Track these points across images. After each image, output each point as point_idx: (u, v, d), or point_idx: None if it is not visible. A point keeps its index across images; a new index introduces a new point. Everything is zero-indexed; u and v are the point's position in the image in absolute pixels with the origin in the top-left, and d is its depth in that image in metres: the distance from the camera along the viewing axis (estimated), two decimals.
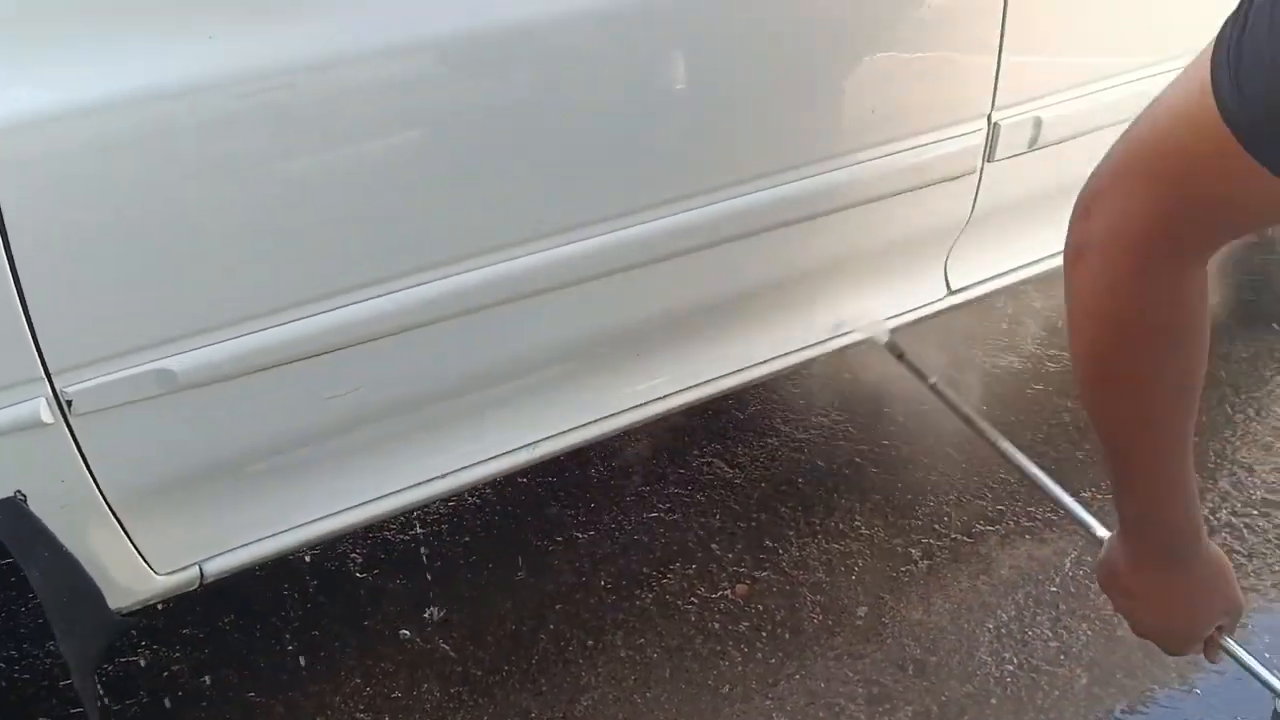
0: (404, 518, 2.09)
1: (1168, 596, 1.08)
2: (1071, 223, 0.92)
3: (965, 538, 2.05)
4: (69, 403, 1.21)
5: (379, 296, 1.36)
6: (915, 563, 1.99)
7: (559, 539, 2.05)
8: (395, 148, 1.32)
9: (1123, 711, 1.70)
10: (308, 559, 2.00)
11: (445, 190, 1.37)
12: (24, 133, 1.09)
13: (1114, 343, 0.91)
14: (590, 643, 1.84)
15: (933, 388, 1.69)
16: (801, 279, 1.80)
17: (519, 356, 1.57)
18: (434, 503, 1.86)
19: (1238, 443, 2.26)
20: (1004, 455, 1.58)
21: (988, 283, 2.05)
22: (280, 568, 1.98)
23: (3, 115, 1.08)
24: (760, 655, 1.81)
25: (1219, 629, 1.13)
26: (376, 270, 1.36)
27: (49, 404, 1.19)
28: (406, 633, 1.86)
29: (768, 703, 1.72)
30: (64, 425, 1.22)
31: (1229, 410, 2.34)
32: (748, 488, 2.17)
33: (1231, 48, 0.82)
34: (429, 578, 1.97)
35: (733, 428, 2.33)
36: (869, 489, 2.17)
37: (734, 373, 1.82)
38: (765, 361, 1.84)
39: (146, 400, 1.26)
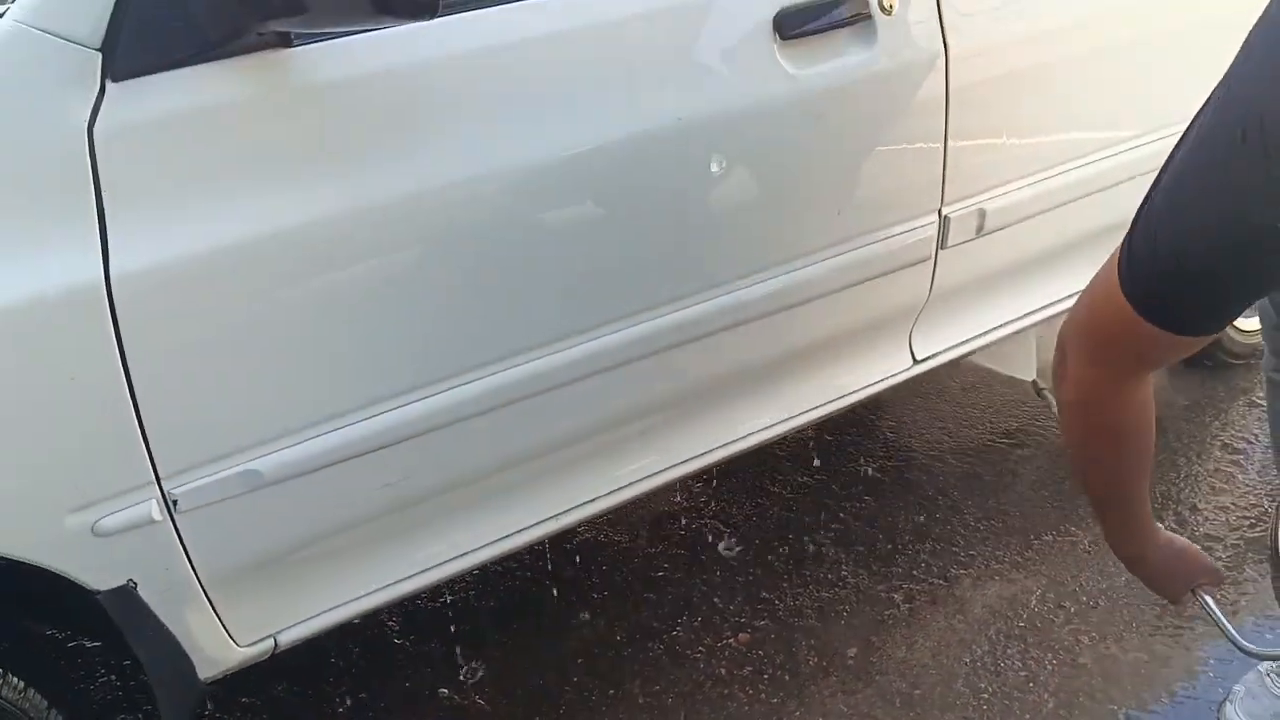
0: (435, 588, 2.30)
1: (1154, 570, 1.52)
2: (1053, 361, 1.29)
3: (941, 581, 2.27)
4: (175, 502, 1.42)
5: (424, 399, 1.60)
6: (898, 606, 2.22)
7: (575, 599, 2.26)
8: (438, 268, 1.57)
9: None
10: (349, 626, 2.20)
11: (481, 305, 1.61)
12: (142, 278, 1.32)
13: (1088, 437, 1.32)
14: (611, 692, 2.05)
15: None
16: (788, 357, 2.04)
17: (547, 440, 1.80)
18: (467, 572, 2.07)
19: (1181, 484, 2.51)
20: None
21: (948, 351, 2.30)
22: (325, 639, 2.18)
23: (128, 265, 1.31)
24: (764, 696, 2.02)
25: (1202, 586, 1.53)
26: (422, 376, 1.59)
27: (158, 504, 1.41)
28: (445, 691, 2.06)
29: None
30: (169, 522, 1.44)
31: (1172, 454, 2.59)
32: (743, 545, 2.40)
33: (1133, 227, 1.12)
34: (460, 641, 2.17)
35: (726, 492, 2.56)
36: (853, 541, 2.40)
37: (726, 444, 2.05)
38: (761, 430, 2.08)
39: (238, 496, 1.48)
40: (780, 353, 2.04)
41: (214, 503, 1.46)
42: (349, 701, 2.05)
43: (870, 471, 2.60)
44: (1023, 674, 2.04)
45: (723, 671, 2.08)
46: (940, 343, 2.28)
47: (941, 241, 2.10)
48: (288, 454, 1.50)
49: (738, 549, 2.38)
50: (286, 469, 1.50)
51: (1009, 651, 2.09)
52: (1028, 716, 1.95)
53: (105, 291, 1.29)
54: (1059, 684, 2.01)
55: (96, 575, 1.41)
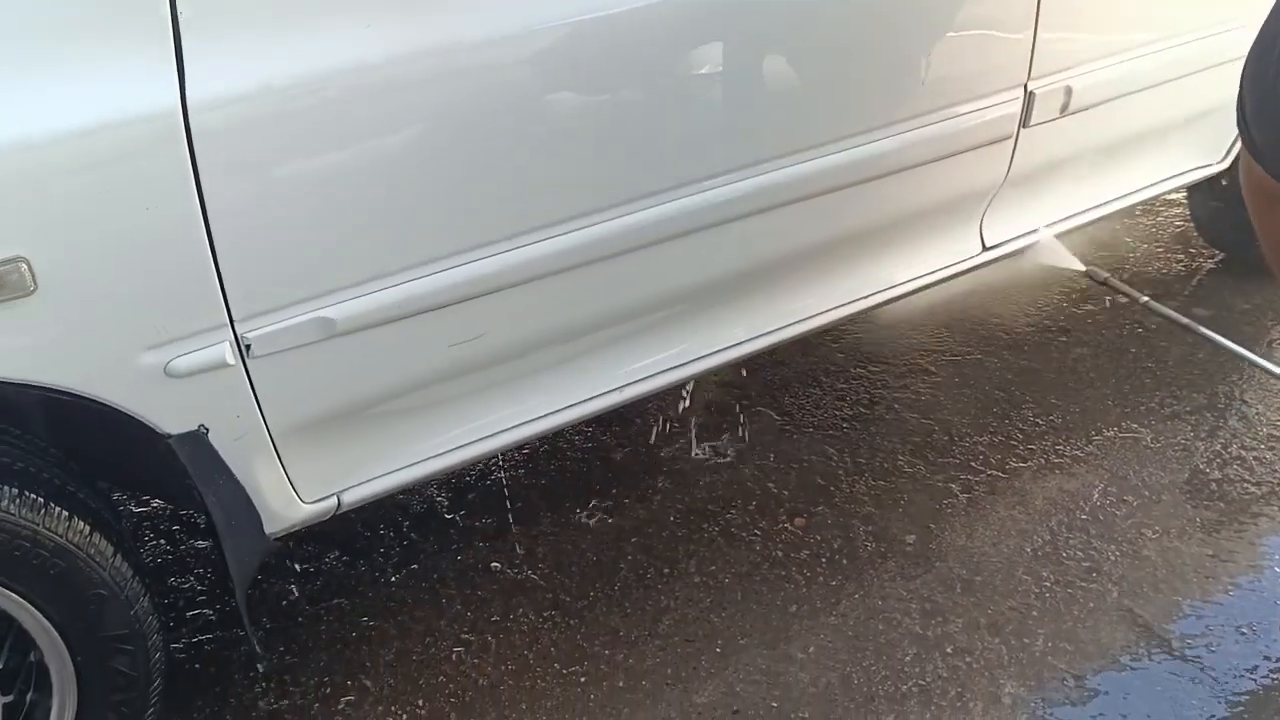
0: (483, 465, 2.27)
1: None
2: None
3: (1000, 473, 2.24)
4: (248, 346, 1.38)
5: (498, 254, 1.54)
6: (956, 496, 2.18)
7: (626, 482, 2.23)
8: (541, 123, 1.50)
9: (1151, 618, 1.89)
10: (398, 501, 2.18)
11: (560, 160, 1.55)
12: (220, 109, 1.26)
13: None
14: (666, 570, 2.02)
15: (1145, 305, 2.19)
16: (859, 236, 1.98)
17: (616, 308, 1.75)
18: (529, 441, 2.02)
19: (1244, 385, 2.46)
20: (1225, 348, 2.20)
21: (1019, 239, 2.24)
22: (374, 511, 2.16)
23: (205, 94, 1.24)
24: (821, 579, 2.00)
25: None
26: (498, 231, 1.54)
27: (231, 347, 1.37)
28: (497, 565, 2.04)
29: (832, 619, 1.91)
30: (242, 367, 1.39)
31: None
32: (797, 434, 2.36)
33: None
34: (511, 518, 2.15)
35: (779, 381, 2.51)
36: (909, 432, 2.36)
37: (790, 325, 2.01)
38: (827, 311, 2.03)
39: (310, 345, 1.43)
40: (851, 230, 1.98)
41: (286, 350, 1.42)
42: (402, 572, 2.04)
43: (926, 365, 2.55)
44: (1085, 564, 2.01)
45: (779, 554, 2.06)
46: (1011, 229, 2.23)
47: (1025, 119, 2.02)
48: (360, 303, 1.45)
49: (791, 437, 2.34)
50: (359, 319, 1.46)
51: (1071, 542, 2.06)
52: (1091, 604, 1.92)
53: (182, 119, 1.24)
54: (1122, 574, 1.98)
55: (168, 418, 1.37)
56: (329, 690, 1.81)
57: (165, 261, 1.28)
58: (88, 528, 1.38)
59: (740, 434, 2.35)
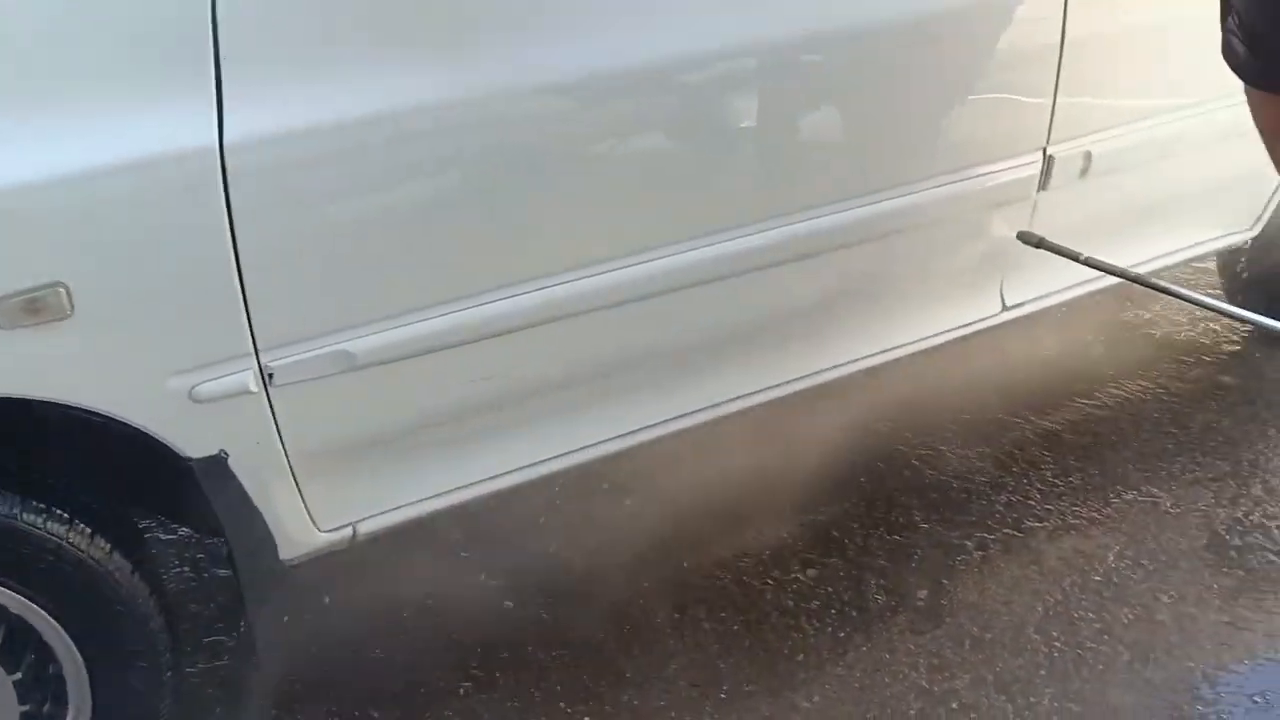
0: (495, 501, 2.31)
1: None
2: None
3: (1015, 532, 2.24)
4: (270, 375, 1.44)
5: (521, 295, 1.59)
6: (970, 553, 2.19)
7: (640, 528, 2.25)
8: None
9: (1162, 683, 1.88)
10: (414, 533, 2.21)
11: (592, 203, 1.61)
12: (255, 150, 1.33)
13: None
14: (676, 615, 2.04)
15: (1085, 261, 2.03)
16: (879, 290, 2.01)
17: (630, 352, 1.79)
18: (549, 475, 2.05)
19: (1269, 453, 2.44)
20: (1175, 295, 2.09)
21: (1038, 300, 2.25)
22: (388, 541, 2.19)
23: (241, 135, 1.31)
24: (830, 629, 2.01)
25: None
26: (518, 273, 1.59)
27: (255, 376, 1.43)
28: (510, 604, 2.07)
29: (839, 669, 1.92)
30: (264, 394, 1.45)
31: (1261, 424, 2.52)
32: (814, 486, 2.37)
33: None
34: (525, 557, 2.18)
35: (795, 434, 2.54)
36: (926, 488, 2.37)
37: (809, 375, 2.03)
38: (843, 364, 2.05)
39: (330, 376, 1.49)
40: (875, 285, 2.01)
41: (307, 380, 1.47)
42: (414, 605, 2.07)
43: (945, 422, 2.56)
44: (1097, 625, 2.00)
45: (789, 603, 2.07)
46: (1031, 290, 2.24)
47: (1043, 181, 2.05)
48: (378, 339, 1.50)
49: (804, 489, 2.36)
50: (377, 353, 1.51)
51: (1083, 603, 2.05)
52: (1101, 667, 1.91)
53: (218, 156, 1.30)
54: (1134, 638, 1.97)
55: (191, 442, 1.43)
56: None
57: (196, 293, 1.35)
58: (108, 545, 1.44)
59: (755, 488, 2.37)
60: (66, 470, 1.45)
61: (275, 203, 1.36)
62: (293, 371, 1.45)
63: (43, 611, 1.41)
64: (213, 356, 1.39)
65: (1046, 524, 2.26)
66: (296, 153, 1.36)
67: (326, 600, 2.08)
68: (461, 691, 1.89)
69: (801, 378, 2.03)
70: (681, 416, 1.93)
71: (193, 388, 1.39)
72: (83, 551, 1.40)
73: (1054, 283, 2.25)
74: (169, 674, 1.54)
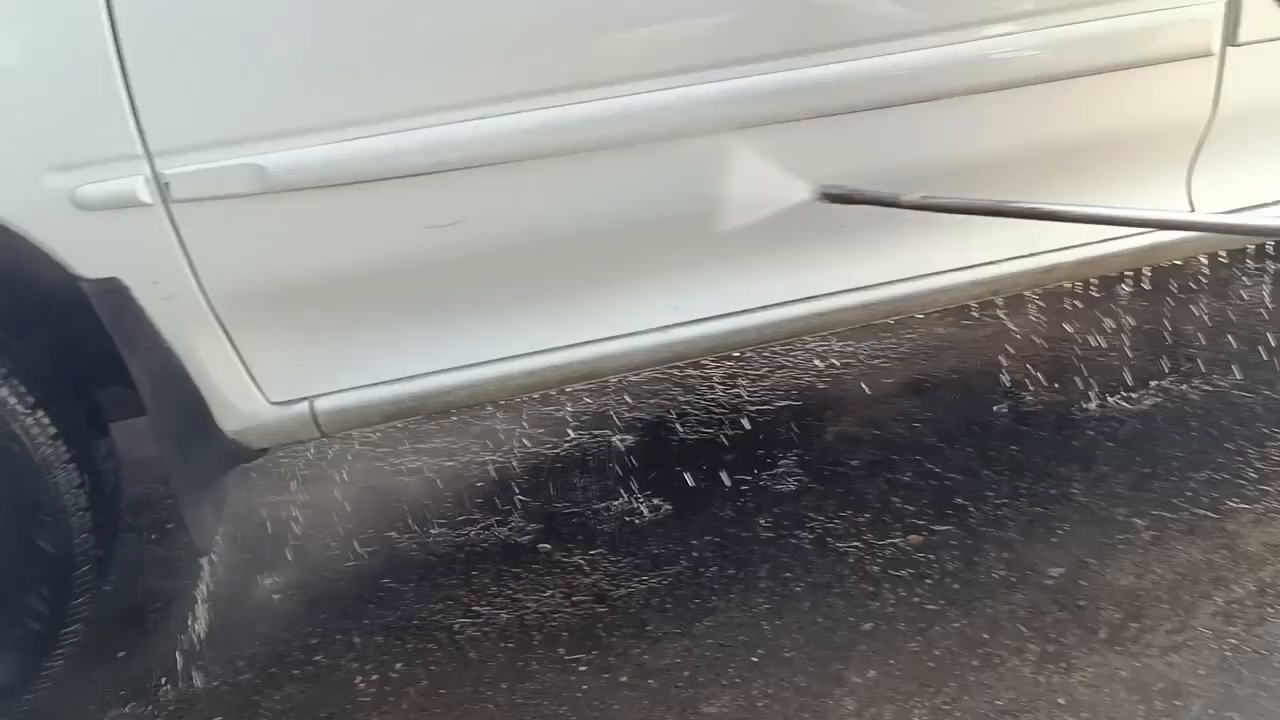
0: (558, 424, 2.04)
1: None
2: None
3: (1210, 513, 1.68)
4: (167, 185, 1.25)
5: (484, 118, 1.33)
6: (1138, 532, 1.66)
7: (713, 471, 1.89)
8: None
9: None
10: (451, 465, 1.98)
11: None
12: None
13: None
14: (732, 571, 1.67)
15: (910, 204, 1.36)
16: (1036, 156, 1.56)
17: (654, 208, 1.45)
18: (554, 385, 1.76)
19: None
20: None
21: (1241, 213, 1.71)
22: (420, 473, 1.96)
23: None
24: (918, 600, 1.56)
25: None
26: (484, 84, 1.32)
27: (148, 182, 1.25)
28: (546, 546, 1.78)
29: (912, 644, 1.47)
30: (164, 209, 1.27)
31: None
32: (950, 452, 1.92)
33: None
34: (578, 496, 1.88)
35: (942, 397, 2.09)
36: (1096, 460, 1.85)
37: (933, 276, 1.60)
38: (993, 263, 1.59)
39: (244, 198, 1.29)
40: (1025, 146, 1.56)
41: (215, 198, 1.28)
42: (440, 538, 1.82)
43: (1148, 390, 2.02)
44: None
45: (875, 569, 1.64)
46: (1230, 197, 1.70)
47: (1230, 32, 1.55)
48: (302, 154, 1.29)
49: (943, 452, 1.91)
50: (299, 174, 1.29)
51: None
52: None
53: None
54: None
55: (79, 256, 1.27)
56: (315, 642, 1.62)
57: (68, 70, 1.20)
58: (5, 372, 1.30)
59: (881, 448, 1.95)
60: None
61: None
62: (194, 184, 1.26)
63: None
64: (95, 154, 1.23)
65: (1256, 507, 1.69)
66: None
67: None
68: (456, 627, 1.61)
69: (928, 275, 1.57)
70: (752, 313, 1.52)
71: (75, 189, 1.23)
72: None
73: (1261, 191, 1.70)
74: (84, 538, 1.37)
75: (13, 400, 1.31)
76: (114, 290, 1.29)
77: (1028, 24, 1.49)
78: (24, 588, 1.35)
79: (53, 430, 1.34)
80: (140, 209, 1.26)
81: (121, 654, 1.61)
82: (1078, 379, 2.06)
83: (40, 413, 1.33)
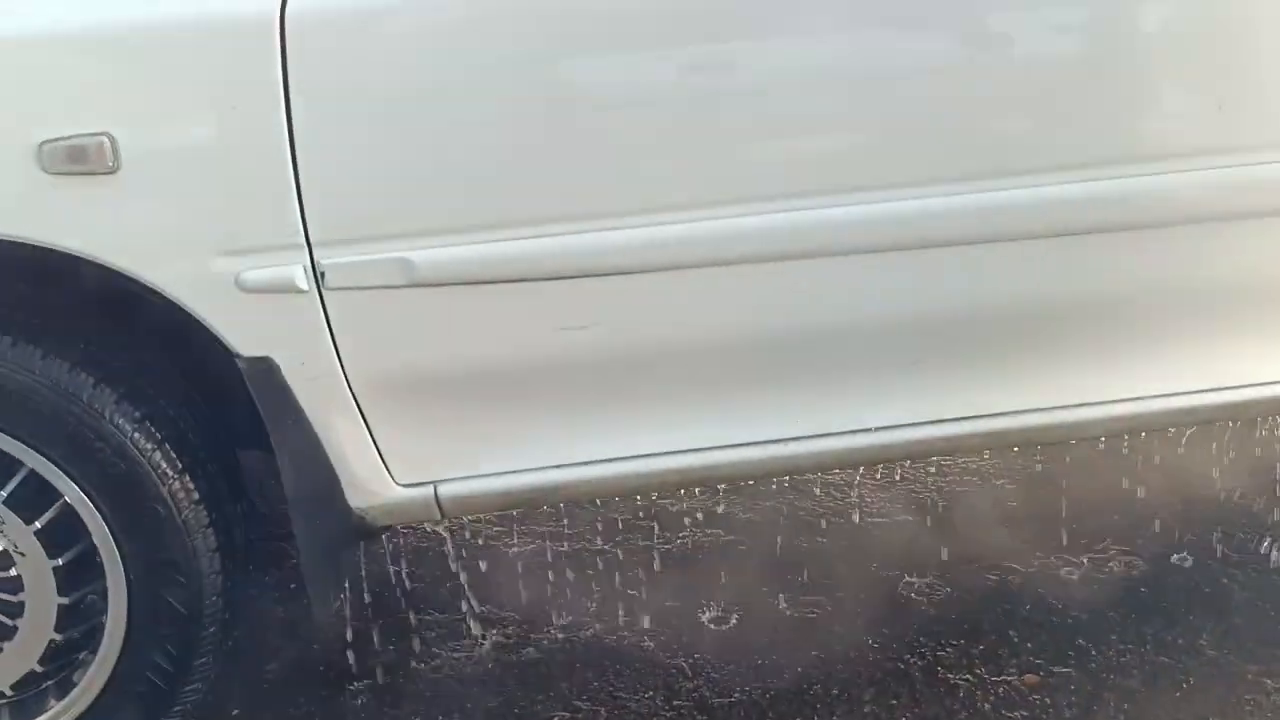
0: (672, 520, 2.05)
1: None
2: None
3: None
4: (322, 274, 1.33)
5: (619, 229, 1.37)
6: (1269, 694, 1.58)
7: (830, 585, 1.87)
8: None
9: None
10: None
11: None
12: (317, 15, 1.26)
13: None
14: (835, 691, 1.64)
15: None
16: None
17: (801, 326, 1.47)
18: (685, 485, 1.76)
19: None
20: None
21: None
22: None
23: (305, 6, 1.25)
24: None
25: None
26: (630, 199, 1.37)
27: (305, 271, 1.33)
28: (650, 645, 1.78)
29: None
30: (317, 296, 1.34)
31: None
32: (1080, 586, 1.86)
33: None
34: (692, 593, 1.88)
35: (1083, 511, 2.03)
36: (1230, 611, 1.77)
37: (1045, 410, 1.57)
38: (1110, 404, 1.55)
39: (392, 289, 1.35)
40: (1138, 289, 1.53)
41: (364, 288, 1.35)
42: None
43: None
44: None
45: (986, 707, 1.59)
46: None
47: None
48: (447, 253, 1.35)
49: (1066, 587, 1.85)
50: (444, 270, 1.35)
51: None
52: None
53: (278, 20, 1.25)
54: None
55: (237, 335, 1.35)
56: None
57: (245, 164, 1.29)
58: (160, 436, 1.39)
59: (1004, 572, 1.90)
60: (133, 356, 1.43)
61: (337, 75, 1.28)
62: (348, 274, 1.33)
63: (82, 494, 1.37)
64: (262, 242, 1.31)
65: None
66: (366, 20, 1.28)
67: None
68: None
69: (1077, 406, 1.54)
70: (898, 429, 1.51)
71: (240, 273, 1.31)
72: (126, 438, 1.36)
73: None
74: (215, 598, 1.44)
75: (164, 464, 1.39)
76: (266, 368, 1.36)
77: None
78: (153, 644, 1.42)
79: (196, 495, 1.42)
80: (296, 295, 1.33)
81: (236, 712, 1.67)
82: (1215, 522, 1.98)
83: (187, 477, 1.41)
